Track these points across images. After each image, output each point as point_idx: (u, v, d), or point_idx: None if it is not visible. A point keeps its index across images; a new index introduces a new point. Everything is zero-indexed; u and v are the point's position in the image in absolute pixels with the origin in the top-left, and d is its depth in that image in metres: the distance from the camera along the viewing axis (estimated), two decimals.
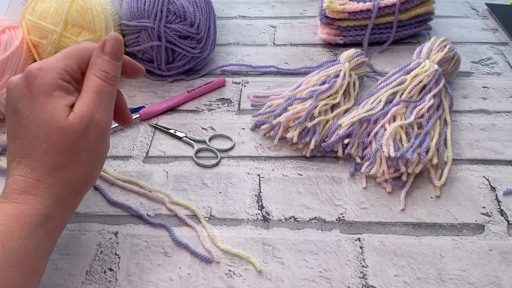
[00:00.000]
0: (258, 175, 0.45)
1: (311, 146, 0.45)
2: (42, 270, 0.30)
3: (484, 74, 0.57)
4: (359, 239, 0.38)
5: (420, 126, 0.45)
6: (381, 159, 0.43)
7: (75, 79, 0.32)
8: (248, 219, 0.40)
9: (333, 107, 0.49)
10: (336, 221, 0.40)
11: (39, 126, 0.29)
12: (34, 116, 0.29)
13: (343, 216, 0.40)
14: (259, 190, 0.43)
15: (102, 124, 0.30)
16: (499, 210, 0.40)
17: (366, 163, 0.43)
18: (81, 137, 0.30)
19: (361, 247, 0.38)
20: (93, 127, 0.30)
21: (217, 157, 0.46)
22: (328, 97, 0.48)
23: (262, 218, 0.40)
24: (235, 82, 0.57)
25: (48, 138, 0.29)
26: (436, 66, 0.50)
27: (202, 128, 0.51)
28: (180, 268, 0.37)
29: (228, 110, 0.53)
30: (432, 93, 0.48)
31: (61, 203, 0.30)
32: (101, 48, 0.32)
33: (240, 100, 0.54)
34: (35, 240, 0.28)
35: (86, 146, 0.30)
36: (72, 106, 0.30)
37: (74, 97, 0.31)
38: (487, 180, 0.43)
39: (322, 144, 0.45)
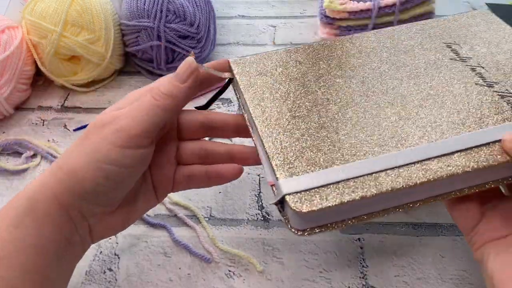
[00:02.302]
0: (258, 175, 0.44)
1: None
2: (36, 269, 0.27)
3: None
4: (359, 239, 0.38)
5: None
6: None
7: None
8: (248, 219, 0.40)
9: None
10: None
11: None
12: None
13: None
14: (259, 190, 0.43)
15: (117, 127, 0.28)
16: None
17: None
18: (94, 131, 0.29)
19: (361, 247, 0.38)
20: (108, 127, 0.28)
21: None
22: None
23: (262, 218, 0.40)
24: None
25: None
26: None
27: None
28: (180, 269, 0.37)
29: (228, 110, 0.53)
30: None
31: (47, 190, 0.28)
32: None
33: None
34: (21, 228, 0.26)
35: (92, 141, 0.28)
36: None
37: None
38: None
39: None
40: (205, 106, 0.36)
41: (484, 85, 0.33)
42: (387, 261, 0.37)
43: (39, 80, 0.57)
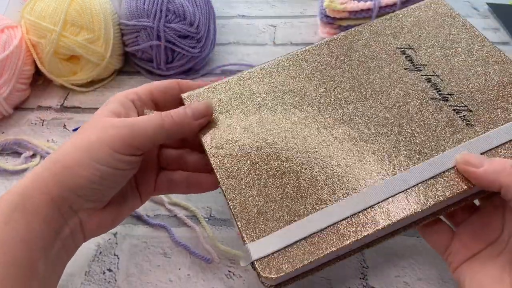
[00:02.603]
0: None
1: None
2: (24, 263, 0.26)
3: None
4: None
5: None
6: None
7: (142, 100, 0.33)
8: None
9: None
10: None
11: None
12: None
13: None
14: None
15: (114, 132, 0.29)
16: None
17: None
18: (93, 131, 0.29)
19: None
20: (108, 130, 0.29)
21: None
22: None
23: None
24: None
25: None
26: None
27: None
28: (179, 269, 0.37)
29: None
30: None
31: (39, 184, 0.28)
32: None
33: None
34: (11, 223, 0.27)
35: (88, 139, 0.29)
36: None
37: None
38: None
39: None
40: None
41: (440, 99, 0.32)
42: (387, 262, 0.36)
43: (38, 80, 0.57)
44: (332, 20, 0.61)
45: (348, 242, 0.27)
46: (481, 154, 0.29)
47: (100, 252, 0.38)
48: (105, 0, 0.53)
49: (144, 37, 0.53)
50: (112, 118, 0.30)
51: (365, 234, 0.27)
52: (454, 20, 0.37)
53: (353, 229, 0.27)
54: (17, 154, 0.48)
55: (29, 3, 0.51)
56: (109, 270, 0.37)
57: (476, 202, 0.33)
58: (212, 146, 0.32)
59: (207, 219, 0.40)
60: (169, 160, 0.35)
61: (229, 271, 0.36)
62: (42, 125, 0.52)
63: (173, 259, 0.37)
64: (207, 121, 0.33)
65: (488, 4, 0.70)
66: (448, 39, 0.36)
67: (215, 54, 0.62)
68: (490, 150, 0.29)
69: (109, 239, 0.39)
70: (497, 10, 0.69)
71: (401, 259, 0.37)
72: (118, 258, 0.37)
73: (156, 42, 0.53)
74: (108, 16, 0.52)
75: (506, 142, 0.29)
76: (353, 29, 0.38)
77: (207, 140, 0.32)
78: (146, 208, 0.41)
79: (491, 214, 0.31)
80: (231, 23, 0.68)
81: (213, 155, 0.31)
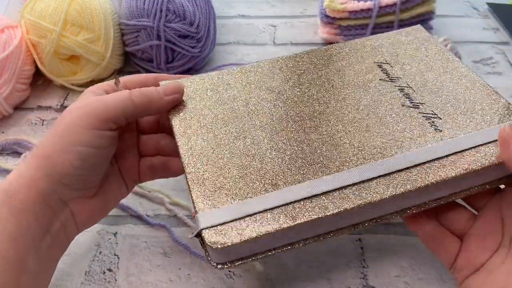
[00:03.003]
0: None
1: None
2: (13, 259, 0.26)
3: (485, 73, 0.57)
4: (360, 239, 0.38)
5: None
6: None
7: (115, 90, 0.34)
8: None
9: None
10: None
11: None
12: None
13: None
14: None
15: (87, 108, 0.30)
16: None
17: None
18: (65, 114, 0.30)
19: (361, 248, 0.38)
20: (77, 109, 0.30)
21: None
22: None
23: None
24: None
25: None
26: None
27: None
28: (179, 269, 0.37)
29: None
30: None
31: (25, 179, 0.28)
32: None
33: None
34: None
35: (62, 123, 0.30)
36: None
37: None
38: None
39: None
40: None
41: (411, 107, 0.33)
42: (387, 262, 0.36)
43: (38, 80, 0.57)
44: (332, 20, 0.61)
45: (298, 222, 0.26)
46: (447, 156, 0.29)
47: (100, 252, 0.38)
48: (105, 0, 0.53)
49: (144, 37, 0.53)
50: (84, 99, 0.31)
51: (315, 217, 0.26)
52: (432, 45, 0.39)
53: (308, 209, 0.27)
54: (17, 154, 0.48)
55: (29, 3, 0.51)
56: (109, 270, 0.37)
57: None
58: (181, 126, 0.33)
59: None
60: (148, 146, 0.36)
61: (229, 271, 0.36)
62: (42, 125, 0.52)
63: (173, 259, 0.37)
64: (177, 100, 0.33)
65: (488, 4, 0.70)
66: (424, 59, 0.38)
67: (215, 54, 0.62)
68: (456, 153, 0.29)
69: (109, 239, 0.39)
70: (497, 10, 0.69)
71: (401, 259, 0.37)
72: (118, 258, 0.37)
73: (156, 42, 0.53)
74: (108, 16, 0.52)
75: (472, 147, 0.30)
76: (335, 44, 0.40)
77: (176, 120, 0.33)
78: (146, 208, 0.41)
79: (490, 222, 0.31)
80: (231, 23, 0.68)
81: (179, 134, 0.32)
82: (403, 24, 0.61)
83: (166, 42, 0.53)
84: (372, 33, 0.61)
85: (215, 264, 0.27)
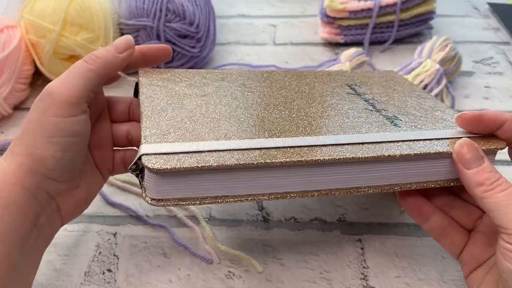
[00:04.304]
0: None
1: None
2: (1, 259, 0.26)
3: (485, 73, 0.57)
4: (360, 240, 0.38)
5: None
6: None
7: None
8: (248, 219, 0.40)
9: None
10: (337, 222, 0.40)
11: None
12: None
13: (344, 217, 0.40)
14: None
15: (55, 96, 0.29)
16: None
17: None
18: (33, 108, 0.29)
19: (362, 248, 0.38)
20: (45, 97, 0.29)
21: None
22: None
23: (262, 219, 0.40)
24: None
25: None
26: (437, 66, 0.49)
27: None
28: (179, 269, 0.36)
29: None
30: (434, 92, 0.47)
31: (9, 177, 0.27)
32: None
33: None
34: None
35: (33, 117, 0.29)
36: None
37: None
38: None
39: None
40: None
41: (373, 110, 0.35)
42: (388, 262, 0.36)
43: (38, 80, 0.57)
44: (332, 20, 0.61)
45: (243, 162, 0.26)
46: (397, 141, 0.30)
47: (100, 252, 0.38)
48: (104, 0, 0.53)
49: (144, 37, 0.53)
50: (48, 86, 0.29)
51: (261, 161, 0.26)
52: (401, 79, 0.42)
53: (252, 155, 0.27)
54: None
55: (28, 2, 0.51)
56: (109, 270, 0.37)
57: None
58: (148, 88, 0.33)
59: (207, 219, 0.40)
60: (119, 135, 0.35)
61: (229, 271, 0.36)
62: None
63: (173, 259, 0.37)
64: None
65: (488, 4, 0.70)
66: (392, 86, 0.41)
67: (215, 54, 0.61)
68: (407, 140, 0.30)
69: (109, 239, 0.39)
70: (498, 10, 0.68)
71: (402, 259, 0.36)
72: (118, 258, 0.37)
73: (156, 41, 0.52)
74: (107, 16, 0.52)
75: (426, 139, 0.31)
76: (311, 70, 0.43)
77: (145, 85, 0.34)
78: (146, 208, 0.41)
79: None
80: (231, 23, 0.68)
81: (144, 93, 0.32)
82: (403, 23, 0.61)
83: (166, 42, 0.53)
84: (372, 33, 0.61)
85: (149, 199, 0.27)
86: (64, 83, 0.29)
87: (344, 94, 0.37)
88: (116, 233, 0.39)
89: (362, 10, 0.59)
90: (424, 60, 0.51)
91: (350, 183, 0.30)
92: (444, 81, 0.49)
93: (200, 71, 0.38)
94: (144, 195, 0.27)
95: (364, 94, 0.38)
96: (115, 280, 0.36)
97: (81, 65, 0.30)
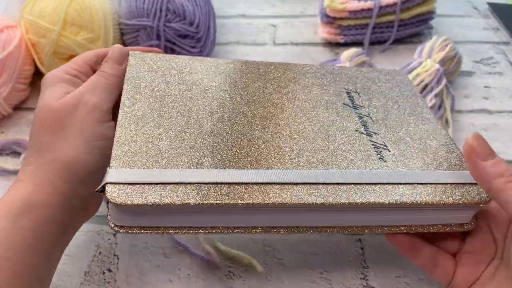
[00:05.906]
0: None
1: None
2: (28, 269, 0.26)
3: (485, 73, 0.57)
4: (360, 239, 0.38)
5: None
6: None
7: (83, 73, 0.35)
8: None
9: None
10: None
11: (36, 111, 0.32)
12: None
13: None
14: None
15: (91, 103, 0.31)
16: None
17: None
18: (68, 115, 0.30)
19: (362, 248, 0.38)
20: (81, 106, 0.31)
21: None
22: None
23: None
24: None
25: (38, 119, 0.31)
26: (437, 66, 0.49)
27: None
28: (179, 269, 0.36)
29: None
30: (434, 92, 0.47)
31: (45, 187, 0.28)
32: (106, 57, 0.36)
33: None
34: (17, 229, 0.26)
35: (72, 123, 0.30)
36: None
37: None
38: None
39: None
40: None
41: (363, 133, 0.33)
42: (387, 262, 0.36)
43: (38, 80, 0.57)
44: (332, 20, 0.61)
45: (206, 202, 0.25)
46: (381, 184, 0.29)
47: (100, 252, 0.38)
48: (104, 0, 0.53)
49: (144, 37, 0.53)
50: (79, 95, 0.31)
51: (225, 202, 0.26)
52: (408, 88, 0.40)
53: (219, 193, 0.26)
54: (17, 154, 0.48)
55: (28, 2, 0.51)
56: (109, 270, 0.37)
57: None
58: (131, 90, 0.33)
59: None
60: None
61: (229, 271, 0.36)
62: None
63: (173, 259, 0.37)
64: (126, 63, 0.36)
65: (488, 3, 0.70)
66: (394, 97, 0.38)
67: (215, 54, 0.61)
68: (391, 184, 0.29)
69: (109, 239, 0.39)
70: (498, 10, 0.68)
71: (402, 259, 0.36)
72: (118, 258, 0.37)
73: (156, 41, 0.52)
74: (108, 16, 0.52)
75: (409, 183, 0.29)
76: (314, 64, 0.40)
77: (129, 85, 0.34)
78: None
79: (482, 240, 0.31)
80: (231, 23, 0.68)
81: (126, 96, 0.32)
82: (403, 23, 0.61)
83: (166, 42, 0.53)
84: (372, 33, 0.61)
85: (112, 225, 0.26)
86: (101, 96, 0.32)
87: (339, 106, 0.36)
88: (116, 233, 0.39)
89: (362, 10, 0.59)
90: (424, 60, 0.51)
91: (320, 222, 0.29)
92: (444, 81, 0.49)
93: (194, 59, 0.38)
94: (109, 218, 0.27)
95: (361, 107, 0.36)
96: (115, 280, 0.36)
97: (105, 82, 0.33)
